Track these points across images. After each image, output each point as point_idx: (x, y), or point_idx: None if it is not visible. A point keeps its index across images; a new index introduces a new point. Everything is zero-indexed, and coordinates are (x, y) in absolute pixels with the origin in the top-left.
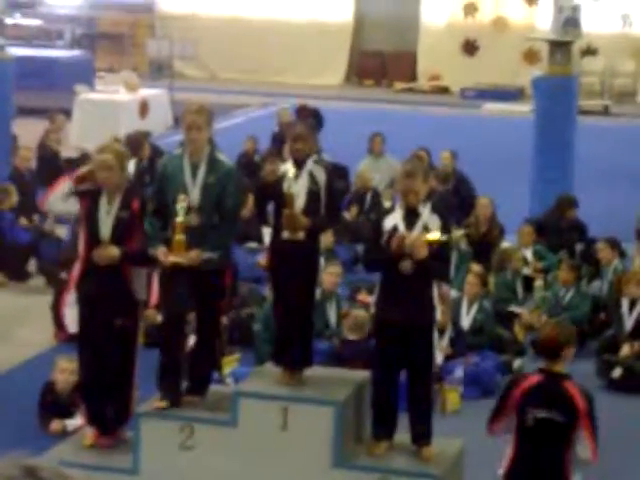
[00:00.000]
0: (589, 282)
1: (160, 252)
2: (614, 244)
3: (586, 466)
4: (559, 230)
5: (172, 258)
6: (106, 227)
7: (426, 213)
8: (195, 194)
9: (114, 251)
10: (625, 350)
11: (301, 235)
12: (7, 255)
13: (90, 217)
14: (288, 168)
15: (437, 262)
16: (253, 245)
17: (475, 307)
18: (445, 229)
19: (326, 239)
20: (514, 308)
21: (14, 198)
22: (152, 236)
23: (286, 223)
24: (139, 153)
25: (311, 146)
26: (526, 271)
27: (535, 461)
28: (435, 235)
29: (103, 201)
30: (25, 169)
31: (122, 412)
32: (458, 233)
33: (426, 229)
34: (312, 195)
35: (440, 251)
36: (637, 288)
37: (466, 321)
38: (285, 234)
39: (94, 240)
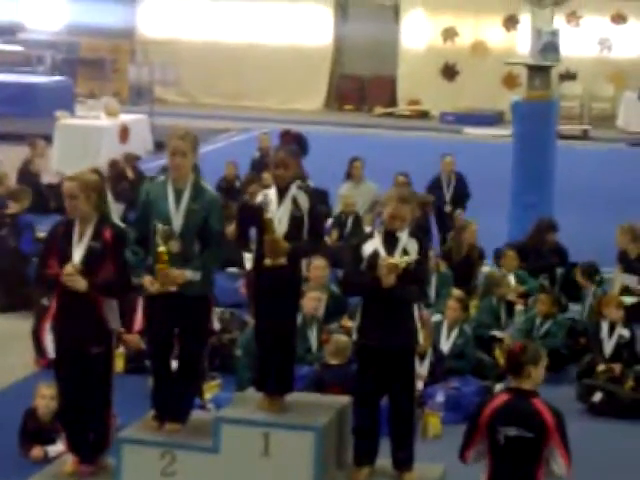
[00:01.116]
0: (565, 310)
1: (146, 281)
2: (589, 271)
3: None
4: (539, 254)
5: (158, 286)
6: (77, 257)
7: (404, 237)
8: (178, 220)
9: (81, 284)
10: (601, 368)
11: (282, 260)
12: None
13: (62, 247)
14: (270, 193)
15: (411, 285)
16: (234, 270)
17: (455, 332)
18: (423, 253)
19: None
20: (496, 333)
21: (27, 201)
22: (136, 265)
23: (268, 249)
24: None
25: (293, 172)
26: (509, 296)
27: (510, 479)
28: (399, 260)
29: (75, 231)
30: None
31: (102, 439)
32: (406, 258)
33: (405, 253)
34: (295, 221)
35: (415, 273)
36: (617, 311)
37: (446, 345)
38: (267, 261)
39: None
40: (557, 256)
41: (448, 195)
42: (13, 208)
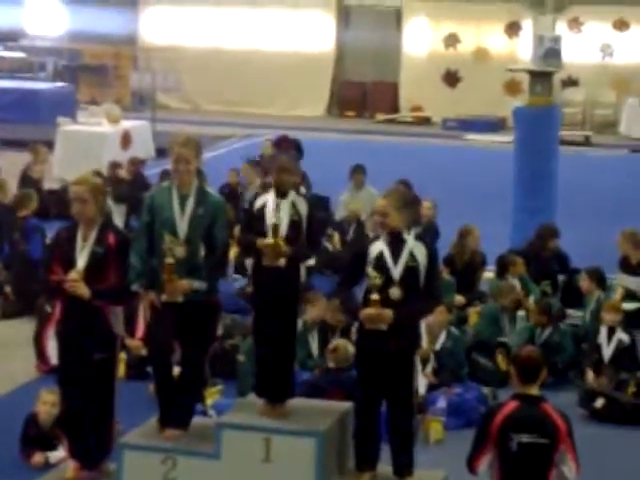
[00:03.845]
0: (563, 317)
1: (151, 297)
2: (597, 276)
3: None
4: (541, 260)
5: (165, 297)
6: (81, 262)
7: (411, 240)
8: (183, 226)
9: (84, 291)
10: (590, 376)
11: (282, 262)
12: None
13: (65, 251)
14: (269, 198)
15: (420, 303)
16: (236, 276)
17: (443, 334)
18: (431, 257)
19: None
20: (501, 339)
21: (33, 203)
22: (140, 271)
23: (268, 251)
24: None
25: (295, 178)
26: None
27: None
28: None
29: (79, 235)
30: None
31: (104, 444)
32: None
33: (412, 256)
34: (293, 225)
35: (428, 285)
36: (615, 315)
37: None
38: (265, 261)
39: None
40: (558, 262)
41: None
42: (23, 212)
